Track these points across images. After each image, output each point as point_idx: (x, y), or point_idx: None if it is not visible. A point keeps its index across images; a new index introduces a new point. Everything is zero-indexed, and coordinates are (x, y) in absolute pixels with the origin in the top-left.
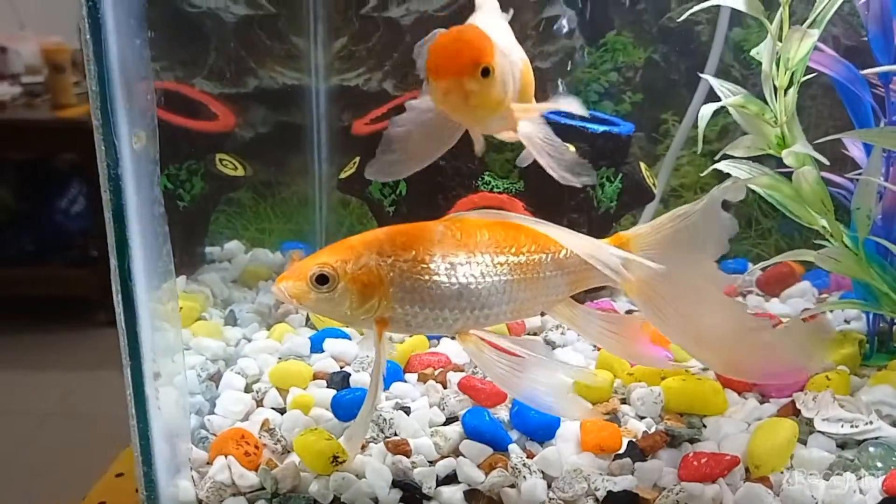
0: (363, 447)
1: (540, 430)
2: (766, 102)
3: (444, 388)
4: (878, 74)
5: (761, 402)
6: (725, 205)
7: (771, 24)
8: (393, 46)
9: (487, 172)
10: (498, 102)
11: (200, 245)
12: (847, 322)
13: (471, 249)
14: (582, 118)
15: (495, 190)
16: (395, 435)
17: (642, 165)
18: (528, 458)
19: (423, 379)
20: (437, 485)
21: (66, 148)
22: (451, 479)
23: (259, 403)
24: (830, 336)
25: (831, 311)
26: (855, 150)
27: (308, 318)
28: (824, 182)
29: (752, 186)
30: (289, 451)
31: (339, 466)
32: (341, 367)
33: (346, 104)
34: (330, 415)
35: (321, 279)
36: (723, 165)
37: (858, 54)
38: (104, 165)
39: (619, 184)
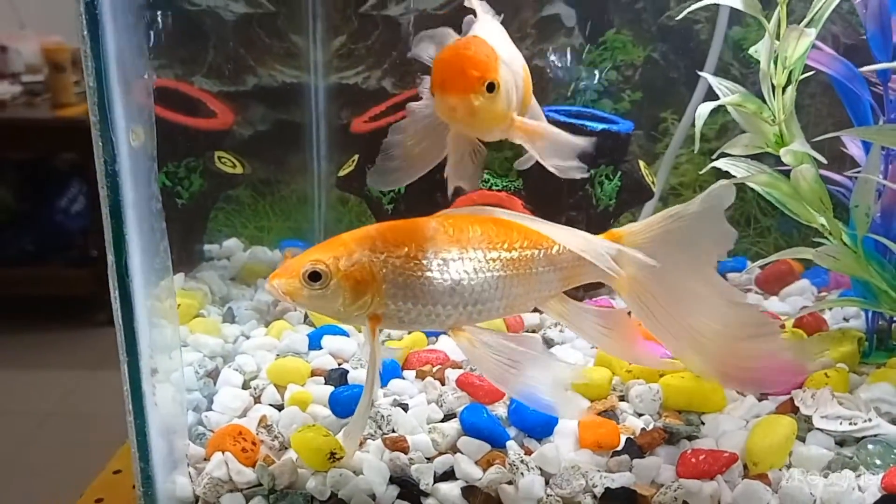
0: (360, 444)
1: (538, 426)
2: (765, 101)
3: (442, 384)
4: (877, 72)
5: (760, 400)
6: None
7: (769, 22)
8: (392, 44)
9: (486, 170)
10: (503, 116)
11: (199, 243)
12: (846, 320)
13: (463, 245)
14: (581, 116)
15: (494, 188)
16: (393, 431)
17: (641, 163)
18: (525, 454)
19: (421, 376)
20: (435, 481)
21: (66, 147)
22: (448, 475)
23: (257, 400)
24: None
25: (830, 309)
26: (853, 148)
27: (306, 316)
28: (823, 180)
29: (751, 184)
30: (286, 448)
31: (336, 463)
32: (339, 364)
33: (344, 102)
34: (328, 411)
35: (314, 276)
36: (721, 163)
37: (857, 53)
38: (101, 161)
39: (618, 182)
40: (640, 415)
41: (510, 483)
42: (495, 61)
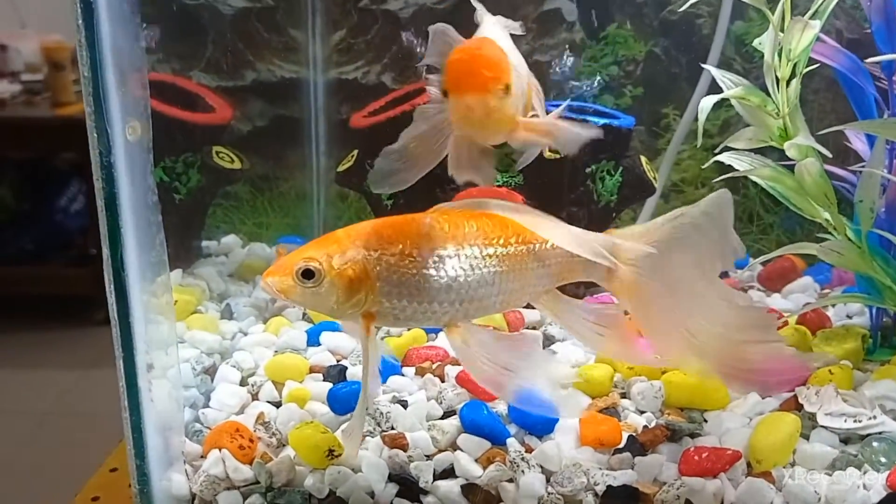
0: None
1: (539, 424)
2: (769, 94)
3: (442, 381)
4: (882, 66)
5: (763, 397)
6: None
7: (773, 14)
8: (391, 39)
9: None
10: (512, 118)
11: (197, 239)
12: (849, 317)
13: (459, 242)
14: (583, 111)
15: (495, 183)
16: (392, 429)
17: (643, 159)
18: (526, 452)
19: (420, 372)
20: (435, 479)
21: (66, 146)
22: (448, 473)
23: (254, 397)
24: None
25: (833, 306)
26: (858, 143)
27: (305, 312)
28: (827, 174)
29: (755, 178)
30: (284, 445)
31: (334, 460)
32: (338, 361)
33: (344, 97)
34: (326, 408)
35: (307, 274)
36: (724, 157)
37: (862, 47)
38: (97, 153)
39: (619, 178)
40: (642, 412)
41: (511, 481)
42: (508, 63)
